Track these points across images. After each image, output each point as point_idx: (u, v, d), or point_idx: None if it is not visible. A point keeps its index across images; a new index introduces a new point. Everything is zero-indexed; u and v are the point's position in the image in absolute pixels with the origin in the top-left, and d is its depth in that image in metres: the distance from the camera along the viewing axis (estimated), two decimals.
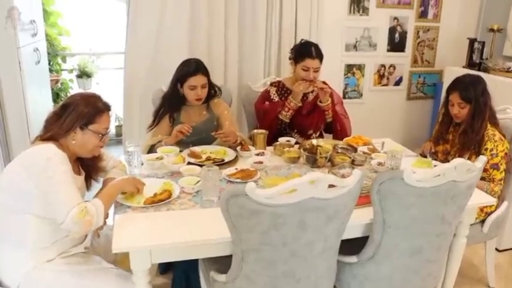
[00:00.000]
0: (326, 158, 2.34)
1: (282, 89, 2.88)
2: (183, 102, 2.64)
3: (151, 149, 2.51)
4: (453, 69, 3.75)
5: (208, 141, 2.62)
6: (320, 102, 2.82)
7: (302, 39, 2.97)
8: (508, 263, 3.01)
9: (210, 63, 3.26)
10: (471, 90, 2.36)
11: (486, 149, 2.33)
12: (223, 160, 2.35)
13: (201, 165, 2.21)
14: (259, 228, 1.48)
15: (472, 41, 3.68)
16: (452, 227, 1.88)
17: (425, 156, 2.58)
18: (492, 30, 3.57)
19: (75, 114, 1.78)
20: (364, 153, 2.57)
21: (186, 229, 1.73)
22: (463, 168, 1.69)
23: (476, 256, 3.04)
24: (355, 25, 3.82)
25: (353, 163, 2.39)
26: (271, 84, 2.92)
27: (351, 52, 3.87)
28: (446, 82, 3.81)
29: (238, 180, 2.12)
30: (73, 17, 5.13)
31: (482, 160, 1.79)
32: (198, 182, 2.02)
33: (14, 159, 1.76)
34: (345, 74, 3.94)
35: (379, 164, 2.35)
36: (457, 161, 1.66)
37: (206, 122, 2.66)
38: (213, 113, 2.72)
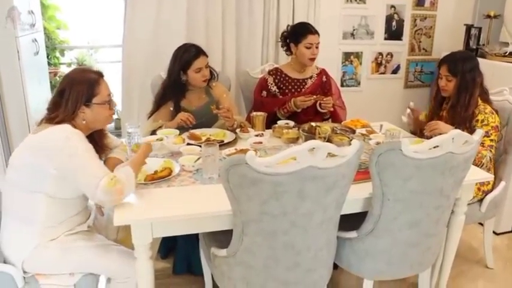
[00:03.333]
0: (325, 138, 2.35)
1: (281, 77, 2.89)
2: (185, 89, 2.66)
3: (153, 135, 2.52)
4: None
5: (209, 125, 2.64)
6: (320, 107, 2.81)
7: (288, 25, 3.00)
8: (506, 246, 3.04)
9: (208, 50, 3.24)
10: (459, 64, 2.40)
11: (477, 120, 2.38)
12: (222, 141, 2.37)
13: (200, 146, 2.24)
14: (259, 197, 1.49)
15: (468, 27, 3.70)
16: (450, 200, 1.89)
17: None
18: (489, 16, 3.59)
19: (74, 95, 1.76)
20: (363, 134, 2.59)
21: (187, 203, 1.75)
22: (460, 140, 1.70)
23: (475, 239, 3.06)
24: (352, 13, 3.83)
25: (351, 143, 2.40)
26: (269, 73, 2.93)
27: (349, 40, 3.88)
28: None
29: None
30: (71, 10, 5.13)
31: (479, 133, 1.81)
32: (197, 159, 2.03)
33: (24, 141, 1.75)
34: (342, 62, 3.95)
35: (378, 143, 2.36)
36: (455, 132, 1.68)
37: (206, 105, 2.68)
38: (213, 97, 2.74)
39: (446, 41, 4.17)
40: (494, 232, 2.91)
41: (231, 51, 3.40)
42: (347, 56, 3.96)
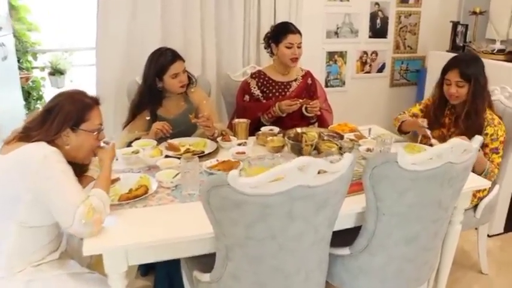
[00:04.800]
0: (312, 145, 2.22)
1: (264, 80, 2.75)
2: (162, 96, 2.49)
3: (129, 147, 2.36)
4: (436, 54, 3.68)
5: (188, 134, 2.49)
6: (306, 111, 2.67)
7: (272, 25, 2.87)
8: (499, 248, 2.95)
9: (187, 53, 3.10)
10: (472, 67, 2.24)
11: (486, 134, 2.24)
12: (203, 152, 2.22)
13: (179, 158, 2.10)
14: (244, 221, 1.35)
15: (455, 24, 3.61)
16: (448, 212, 1.78)
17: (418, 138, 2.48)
18: (474, 13, 3.50)
19: (62, 115, 1.60)
20: (351, 140, 2.46)
21: (165, 226, 1.59)
22: (459, 149, 1.59)
23: (467, 242, 2.97)
24: (335, 11, 3.71)
25: (340, 150, 2.28)
26: (251, 76, 2.78)
27: (332, 39, 3.76)
28: (431, 67, 3.75)
29: (219, 172, 1.99)
30: (42, 12, 4.90)
31: (478, 140, 1.69)
32: (176, 175, 1.88)
33: None
34: (326, 62, 3.83)
35: (368, 150, 2.24)
36: (454, 142, 1.56)
37: (185, 113, 2.52)
38: (192, 103, 2.58)
39: (432, 38, 4.08)
40: (487, 234, 2.82)
41: (211, 53, 3.24)
42: (331, 55, 3.84)
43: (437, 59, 3.65)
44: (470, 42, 3.50)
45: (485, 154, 2.23)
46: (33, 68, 4.93)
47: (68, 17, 5.15)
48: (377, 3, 3.82)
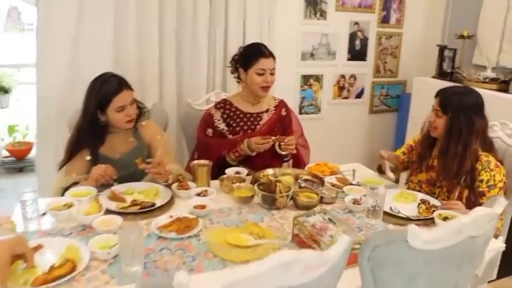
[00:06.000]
0: (288, 196, 1.83)
1: (230, 111, 2.34)
2: (105, 132, 2.05)
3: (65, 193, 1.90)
4: (422, 80, 3.38)
5: (138, 177, 2.04)
6: (280, 148, 2.27)
7: (240, 47, 2.46)
8: None
9: (142, 77, 2.69)
10: (454, 99, 1.91)
11: (481, 181, 1.88)
12: (153, 204, 1.78)
13: (125, 213, 1.70)
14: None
15: (441, 48, 3.31)
16: None
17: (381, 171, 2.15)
18: (462, 36, 3.20)
19: None
20: (333, 185, 2.08)
21: None
22: (483, 220, 1.22)
23: None
24: (311, 30, 3.36)
25: (321, 201, 1.89)
26: (215, 106, 2.37)
27: (308, 61, 3.40)
28: (416, 94, 3.44)
29: (172, 234, 1.56)
30: None
31: (501, 203, 1.33)
32: (116, 244, 1.44)
33: None
34: (301, 86, 3.47)
35: (355, 202, 1.86)
36: (478, 213, 1.19)
37: (134, 151, 2.09)
38: (142, 139, 2.14)
39: (414, 62, 3.79)
40: None
41: (170, 78, 2.82)
42: (306, 79, 3.48)
43: (423, 86, 3.36)
44: (457, 68, 3.20)
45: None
46: None
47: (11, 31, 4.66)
48: (356, 23, 3.50)
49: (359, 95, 3.72)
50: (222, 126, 2.31)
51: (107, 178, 1.86)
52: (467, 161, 1.88)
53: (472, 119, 1.88)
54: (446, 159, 1.91)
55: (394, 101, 3.88)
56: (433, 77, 3.36)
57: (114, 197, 1.83)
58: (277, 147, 2.26)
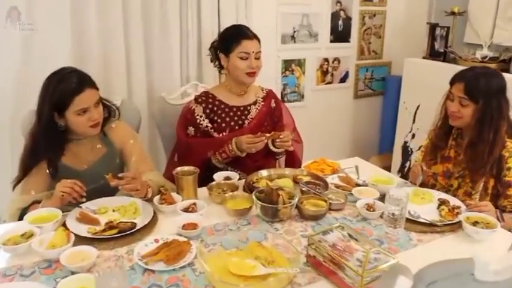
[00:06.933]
0: (292, 206, 1.56)
1: (213, 105, 2.04)
2: (66, 138, 1.72)
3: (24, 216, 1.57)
4: (413, 61, 3.15)
5: (111, 189, 1.71)
6: (274, 146, 2.00)
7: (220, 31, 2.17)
8: None
9: (107, 72, 2.35)
10: (482, 82, 1.68)
11: (509, 169, 1.68)
12: (134, 226, 1.48)
13: (100, 239, 1.40)
14: None
15: (432, 27, 3.07)
16: None
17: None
18: (453, 13, 2.98)
19: None
20: (337, 186, 1.83)
21: None
22: None
23: None
24: (292, 11, 3.06)
25: (329, 208, 1.63)
26: (196, 100, 2.05)
27: (289, 44, 3.11)
28: (406, 76, 3.21)
29: (161, 265, 1.27)
30: None
31: None
32: None
33: None
34: (282, 72, 3.19)
35: (369, 207, 1.61)
36: None
37: (103, 160, 1.77)
38: (113, 145, 1.81)
39: (399, 42, 3.56)
40: None
41: (139, 71, 2.47)
42: (287, 64, 3.19)
43: (412, 67, 3.13)
44: (450, 47, 2.98)
45: (508, 196, 1.69)
46: None
47: None
48: (338, 2, 3.23)
49: (343, 79, 3.47)
50: (205, 123, 2.01)
51: (75, 196, 1.54)
52: (497, 148, 1.68)
53: (500, 103, 1.69)
54: (477, 149, 1.70)
55: (379, 84, 3.65)
56: (424, 58, 3.14)
57: (85, 219, 1.52)
58: (270, 145, 1.98)
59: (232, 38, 1.98)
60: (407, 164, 3.29)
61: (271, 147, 1.99)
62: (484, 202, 1.64)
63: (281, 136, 1.93)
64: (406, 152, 3.28)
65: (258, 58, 2.00)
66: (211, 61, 2.14)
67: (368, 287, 1.14)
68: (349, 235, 1.31)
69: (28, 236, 1.39)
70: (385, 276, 0.93)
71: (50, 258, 1.31)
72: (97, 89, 1.68)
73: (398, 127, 3.32)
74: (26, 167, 1.67)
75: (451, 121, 1.78)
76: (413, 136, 3.20)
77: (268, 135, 1.91)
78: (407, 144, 3.26)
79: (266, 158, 2.06)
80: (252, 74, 2.00)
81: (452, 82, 1.76)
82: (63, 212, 1.53)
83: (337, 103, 3.52)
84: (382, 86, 3.66)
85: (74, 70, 1.67)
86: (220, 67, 2.10)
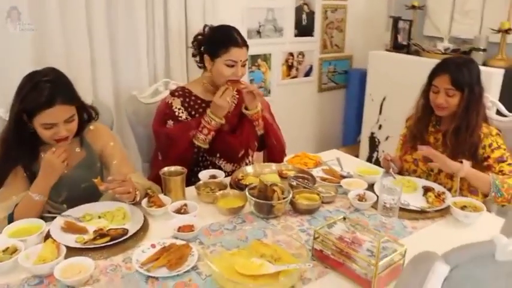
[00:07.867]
0: (287, 201, 1.54)
1: (190, 100, 1.98)
2: (41, 142, 1.60)
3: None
4: (377, 54, 3.21)
5: (93, 194, 1.63)
6: (246, 109, 1.98)
7: (205, 25, 2.09)
8: None
9: (71, 70, 2.20)
10: (465, 73, 1.75)
11: (484, 146, 1.77)
12: (125, 232, 1.41)
13: (92, 249, 1.32)
14: None
15: (395, 20, 3.14)
16: None
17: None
18: (413, 7, 3.07)
19: None
20: (323, 179, 1.84)
21: None
22: None
23: None
24: (257, 5, 3.04)
25: (322, 200, 1.63)
26: (173, 94, 1.98)
27: (255, 40, 3.09)
28: (371, 69, 3.27)
29: (164, 271, 1.22)
30: None
31: None
32: None
33: None
34: (249, 68, 3.16)
35: (361, 198, 1.62)
36: None
37: (83, 164, 1.67)
38: (92, 148, 1.71)
39: (360, 35, 3.62)
40: None
41: (104, 68, 2.36)
42: (253, 59, 3.17)
43: (377, 60, 3.19)
44: (411, 39, 3.06)
45: (490, 167, 1.76)
46: None
47: None
48: None
49: (307, 73, 3.49)
50: (184, 115, 1.94)
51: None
52: (478, 130, 1.77)
53: (482, 88, 1.80)
54: (461, 133, 1.77)
55: (341, 77, 3.71)
56: (388, 50, 3.21)
57: (71, 228, 1.43)
58: (243, 109, 1.98)
59: (220, 44, 1.89)
60: (374, 154, 3.35)
61: (244, 111, 1.98)
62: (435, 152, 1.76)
63: (242, 86, 1.91)
64: (374, 143, 3.35)
65: (244, 66, 1.95)
66: (193, 56, 2.06)
67: (380, 276, 1.14)
68: (352, 226, 1.31)
69: (12, 251, 1.29)
70: (413, 263, 0.92)
71: (41, 273, 1.22)
72: (72, 105, 1.54)
73: (365, 119, 3.38)
74: (1, 175, 1.55)
75: (438, 112, 1.83)
76: (380, 127, 3.26)
77: (229, 83, 1.89)
78: (374, 135, 3.33)
79: (252, 142, 2.05)
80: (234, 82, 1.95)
81: (433, 75, 1.81)
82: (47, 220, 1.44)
83: (302, 97, 3.54)
84: (345, 79, 3.71)
85: (51, 80, 1.49)
86: (202, 65, 2.03)
